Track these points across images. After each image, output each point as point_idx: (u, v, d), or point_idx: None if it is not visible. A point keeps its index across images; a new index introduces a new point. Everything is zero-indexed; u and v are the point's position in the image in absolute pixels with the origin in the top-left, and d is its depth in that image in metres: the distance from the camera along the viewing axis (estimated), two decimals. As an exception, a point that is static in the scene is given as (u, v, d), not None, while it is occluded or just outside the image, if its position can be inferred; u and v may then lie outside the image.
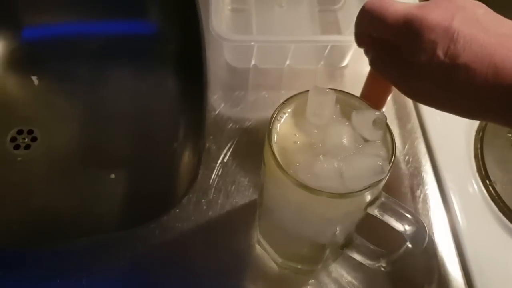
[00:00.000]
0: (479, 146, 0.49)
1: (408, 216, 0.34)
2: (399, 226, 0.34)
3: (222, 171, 0.46)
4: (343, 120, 0.35)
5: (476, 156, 0.49)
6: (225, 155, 0.47)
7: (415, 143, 0.50)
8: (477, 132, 0.51)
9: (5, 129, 0.61)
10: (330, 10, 0.60)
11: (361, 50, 0.38)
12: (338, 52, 0.53)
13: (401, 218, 0.34)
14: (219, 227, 0.43)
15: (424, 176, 0.48)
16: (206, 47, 0.55)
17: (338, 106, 0.35)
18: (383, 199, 0.34)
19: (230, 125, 0.49)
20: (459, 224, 0.44)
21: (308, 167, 0.32)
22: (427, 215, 0.45)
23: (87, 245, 0.42)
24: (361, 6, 0.35)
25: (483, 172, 0.47)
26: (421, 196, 0.46)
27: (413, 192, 0.46)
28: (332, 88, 0.35)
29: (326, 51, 0.51)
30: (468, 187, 0.47)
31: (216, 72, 0.54)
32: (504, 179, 0.47)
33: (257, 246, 0.43)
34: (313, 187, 0.30)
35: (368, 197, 0.33)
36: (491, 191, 0.46)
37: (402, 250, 0.35)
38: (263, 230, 0.43)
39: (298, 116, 0.35)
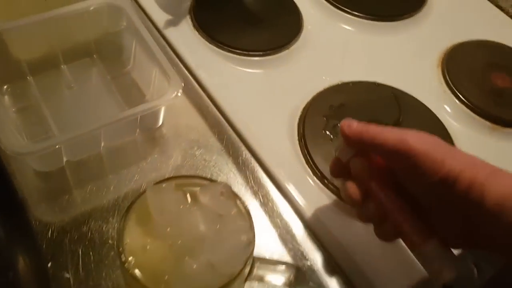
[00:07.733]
0: (306, 151, 0.53)
1: (283, 267, 0.35)
2: (281, 279, 0.35)
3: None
4: (191, 205, 0.34)
5: (306, 160, 0.52)
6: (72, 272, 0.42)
7: (255, 170, 0.52)
8: (299, 139, 0.55)
9: None
10: (123, 74, 0.57)
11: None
12: (150, 116, 0.51)
13: (279, 272, 0.35)
14: None
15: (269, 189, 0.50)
16: (7, 163, 0.48)
17: (181, 193, 0.34)
18: (258, 264, 0.34)
19: (68, 236, 0.44)
20: (307, 216, 0.48)
21: (178, 275, 0.30)
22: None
23: None
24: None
25: (315, 169, 0.51)
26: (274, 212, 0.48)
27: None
28: (168, 177, 0.33)
29: (138, 121, 0.49)
30: (306, 186, 0.50)
31: (28, 185, 0.47)
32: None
33: None
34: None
35: (247, 270, 0.33)
36: (326, 183, 0.50)
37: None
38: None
39: (145, 223, 0.33)
